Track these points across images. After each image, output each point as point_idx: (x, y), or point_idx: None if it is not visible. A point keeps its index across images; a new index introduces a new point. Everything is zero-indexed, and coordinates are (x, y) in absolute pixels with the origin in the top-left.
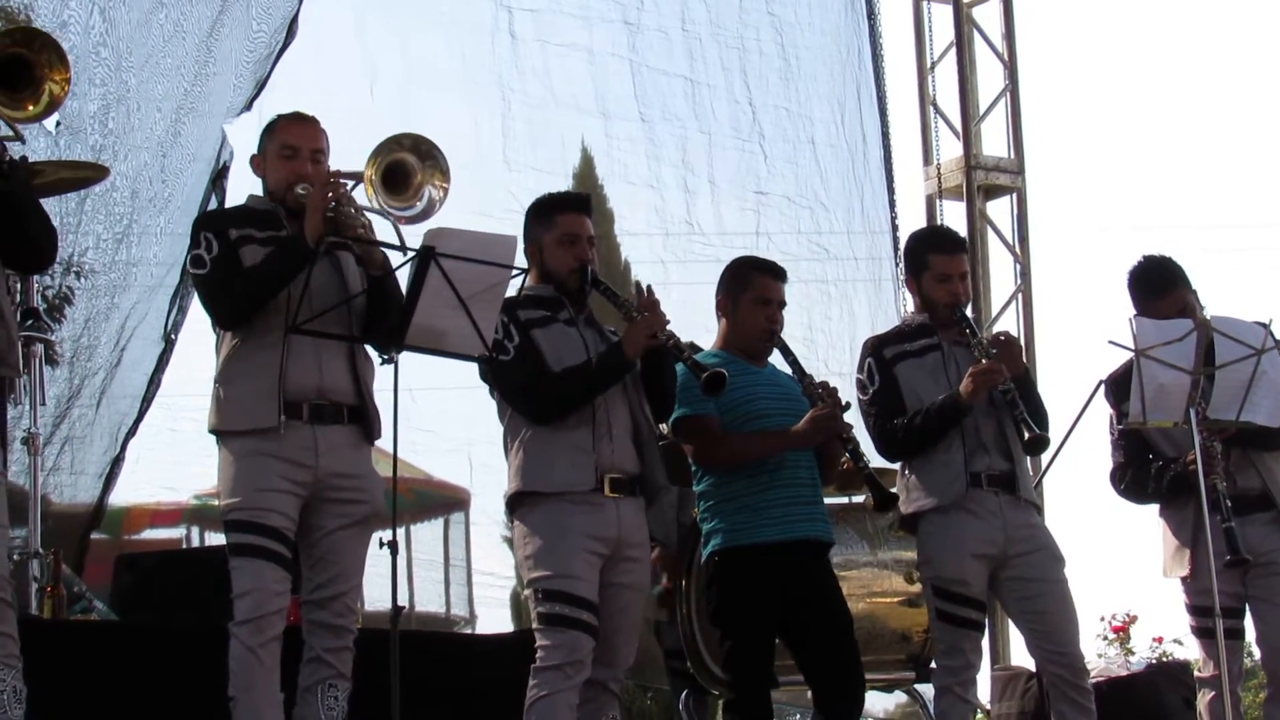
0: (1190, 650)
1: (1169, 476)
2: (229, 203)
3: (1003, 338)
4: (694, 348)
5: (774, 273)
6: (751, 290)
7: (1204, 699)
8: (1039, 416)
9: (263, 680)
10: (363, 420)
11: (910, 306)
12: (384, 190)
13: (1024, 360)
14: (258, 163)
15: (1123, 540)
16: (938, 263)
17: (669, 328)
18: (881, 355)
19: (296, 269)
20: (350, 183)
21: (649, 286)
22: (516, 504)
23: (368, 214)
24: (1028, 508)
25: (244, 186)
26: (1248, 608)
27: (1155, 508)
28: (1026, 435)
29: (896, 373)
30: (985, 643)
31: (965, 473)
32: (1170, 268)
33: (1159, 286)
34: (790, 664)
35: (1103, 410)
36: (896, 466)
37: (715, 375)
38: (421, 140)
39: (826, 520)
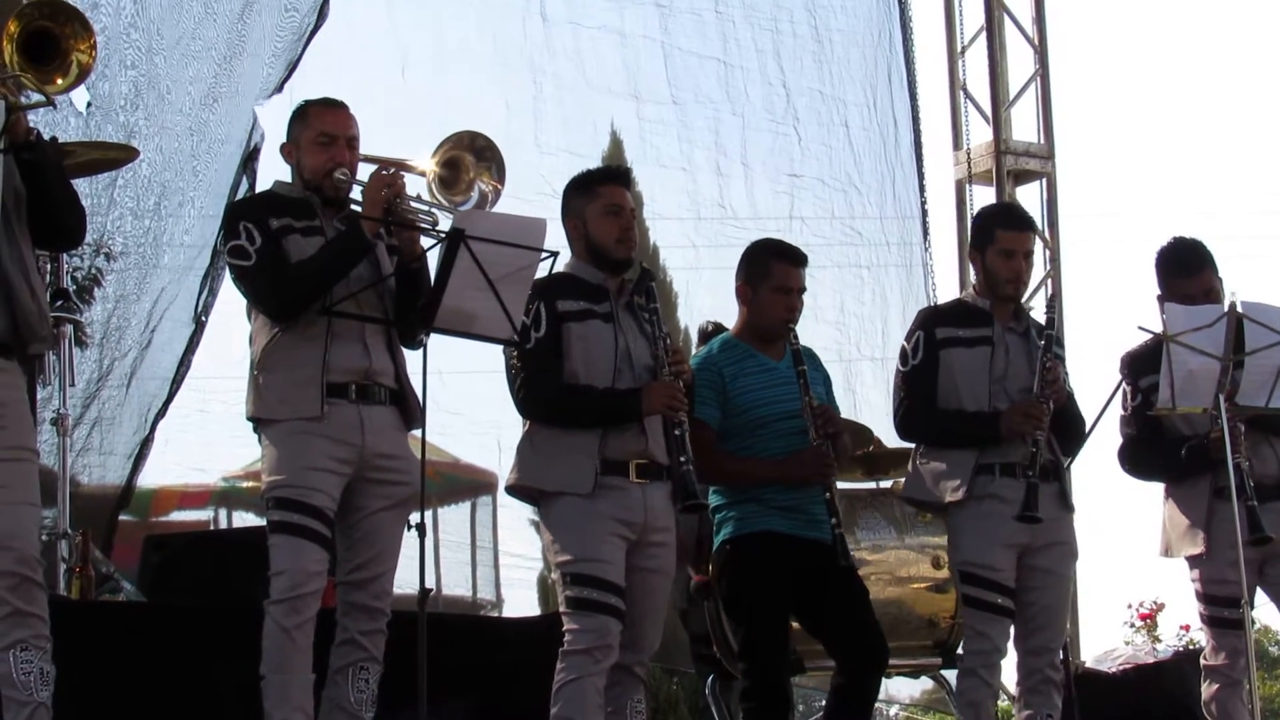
0: None
1: (1187, 449)
2: (260, 185)
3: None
4: (719, 328)
5: (793, 259)
6: (771, 279)
7: (1209, 689)
8: (1073, 442)
9: (295, 660)
10: (402, 403)
11: (939, 292)
12: (440, 184)
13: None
14: (289, 150)
15: (1151, 528)
16: (1004, 238)
17: (683, 415)
18: (933, 333)
19: (354, 262)
20: (395, 171)
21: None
22: (530, 491)
23: (420, 207)
24: (1057, 499)
25: (274, 169)
26: (1267, 597)
27: (1160, 490)
28: (1027, 513)
29: (941, 356)
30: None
31: (973, 471)
32: (1200, 250)
33: (1188, 266)
34: (818, 649)
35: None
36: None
37: (693, 506)
38: (485, 144)
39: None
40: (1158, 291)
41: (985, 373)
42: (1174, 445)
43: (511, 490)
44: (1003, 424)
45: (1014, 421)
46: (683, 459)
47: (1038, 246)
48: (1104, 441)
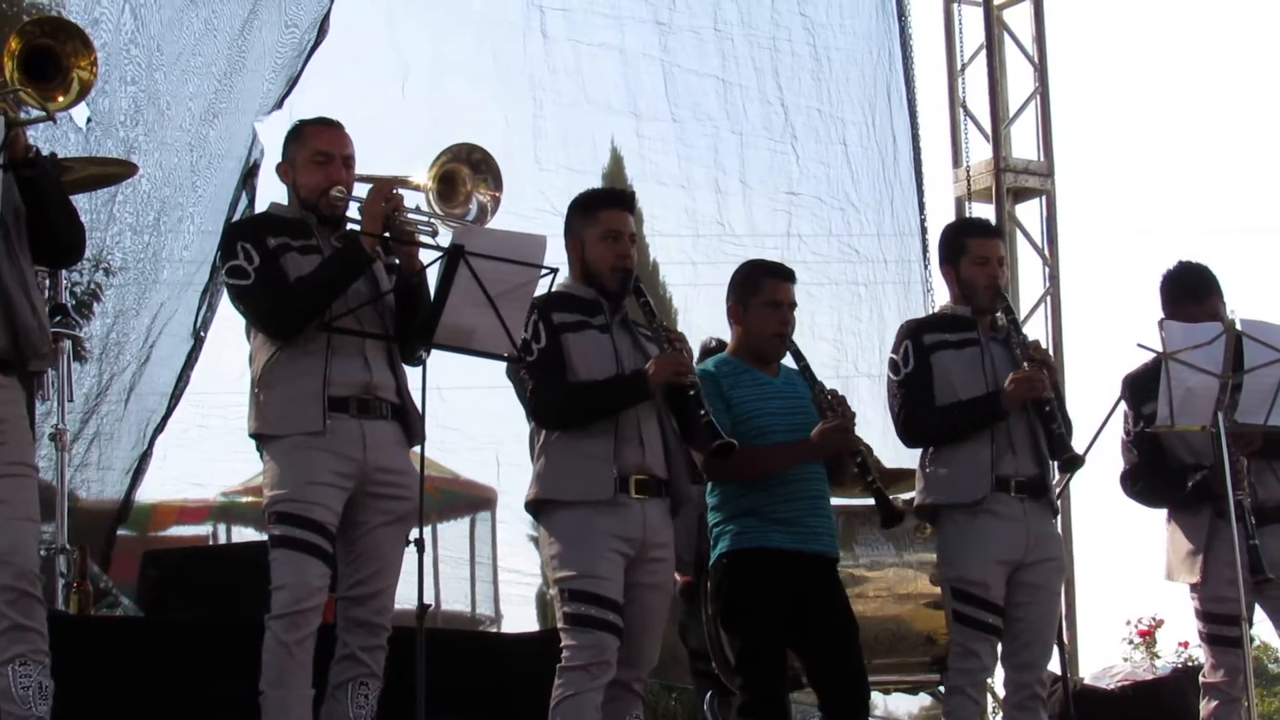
0: None
1: (1192, 483)
2: (259, 200)
3: (1040, 352)
4: (722, 344)
5: (783, 275)
6: (761, 294)
7: (1208, 706)
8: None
9: (294, 676)
10: (403, 419)
11: (938, 304)
12: (438, 198)
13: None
14: (285, 170)
15: (1149, 544)
16: (975, 246)
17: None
18: (920, 340)
19: (355, 276)
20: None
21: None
22: (540, 506)
23: (419, 220)
24: (1048, 513)
25: (274, 184)
26: (1267, 618)
27: (1164, 512)
28: (1064, 455)
29: (933, 360)
30: None
31: (991, 473)
32: (1208, 276)
33: (1196, 293)
34: None
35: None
36: (915, 459)
37: (724, 446)
38: (482, 157)
39: (833, 535)
40: (1161, 315)
41: (978, 370)
42: (1176, 473)
43: (530, 506)
44: (1004, 398)
45: (1018, 388)
46: (703, 412)
47: (1037, 264)
48: (1103, 459)
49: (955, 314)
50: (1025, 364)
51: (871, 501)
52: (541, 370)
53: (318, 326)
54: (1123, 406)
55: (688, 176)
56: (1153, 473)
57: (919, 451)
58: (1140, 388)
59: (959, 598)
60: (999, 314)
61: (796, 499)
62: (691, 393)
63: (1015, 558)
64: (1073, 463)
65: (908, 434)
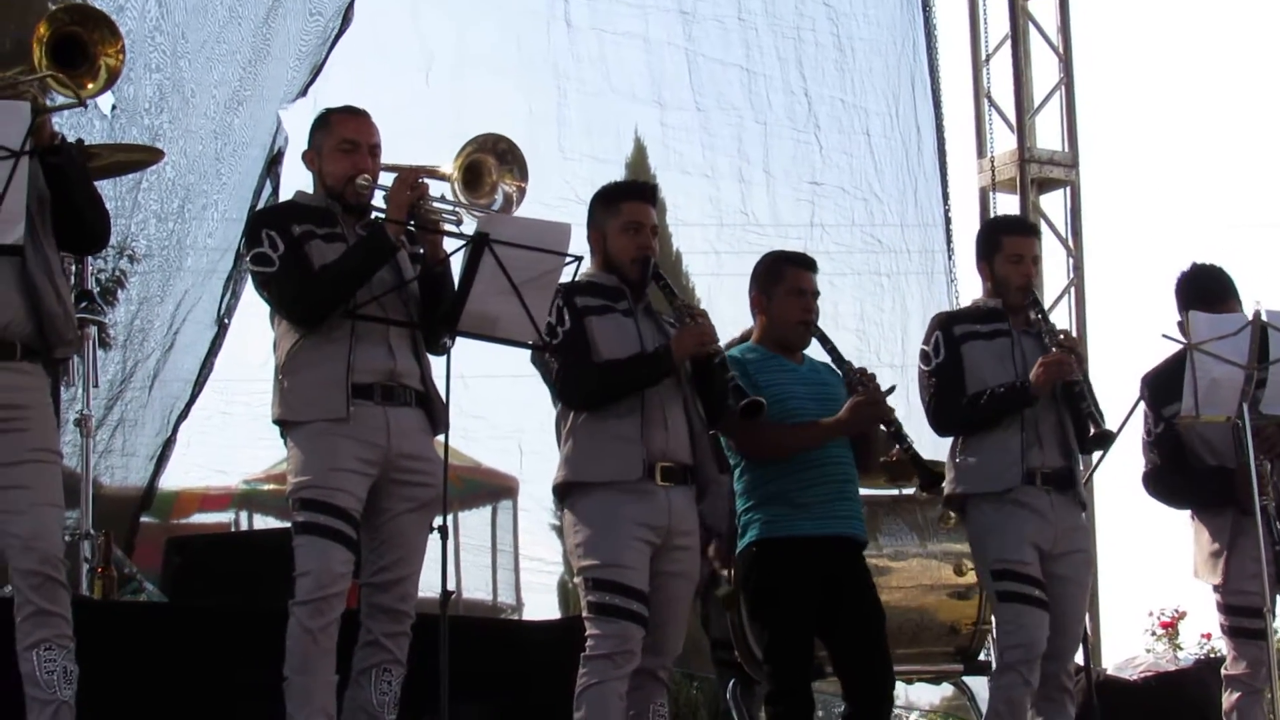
0: None
1: (1214, 488)
2: (283, 188)
3: (1070, 340)
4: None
5: (805, 264)
6: (784, 283)
7: (1230, 698)
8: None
9: (318, 662)
10: (427, 406)
11: (962, 300)
12: (464, 188)
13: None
14: (310, 158)
15: (1173, 536)
16: (1010, 243)
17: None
18: (951, 331)
19: (379, 265)
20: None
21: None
22: (566, 492)
23: (444, 208)
24: (1076, 507)
25: (298, 172)
26: None
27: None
28: (1093, 430)
29: (963, 351)
30: None
31: (1021, 463)
32: (1224, 278)
33: (1213, 295)
34: None
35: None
36: (944, 452)
37: (753, 404)
38: (507, 147)
39: (861, 518)
40: (1178, 318)
41: (1009, 360)
42: (1198, 474)
43: (558, 489)
44: (1033, 382)
45: (1046, 372)
46: (730, 375)
47: (1061, 255)
48: (1126, 450)
49: (987, 306)
50: (1054, 349)
51: (894, 492)
52: (566, 350)
53: (342, 313)
54: (1143, 405)
55: (711, 166)
56: (1175, 472)
57: (947, 442)
58: (1160, 388)
59: (1001, 577)
60: (1031, 311)
61: (823, 483)
62: (717, 360)
63: (1045, 547)
64: (1104, 438)
65: (939, 424)
